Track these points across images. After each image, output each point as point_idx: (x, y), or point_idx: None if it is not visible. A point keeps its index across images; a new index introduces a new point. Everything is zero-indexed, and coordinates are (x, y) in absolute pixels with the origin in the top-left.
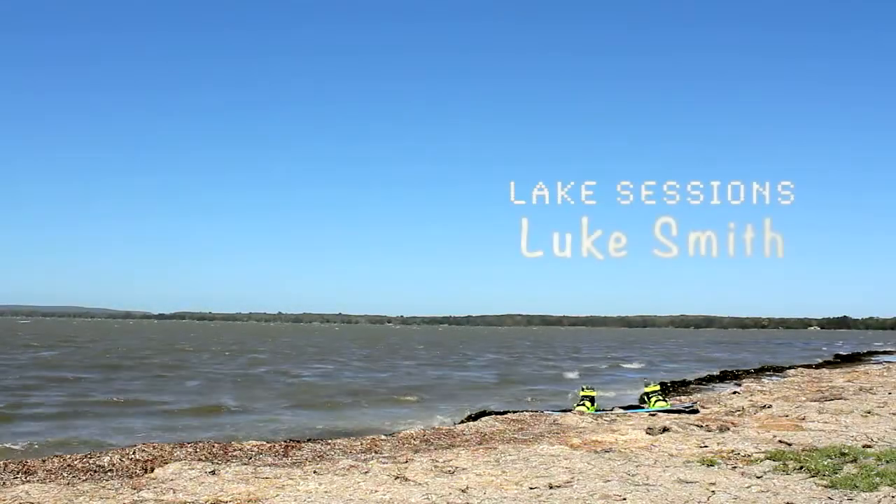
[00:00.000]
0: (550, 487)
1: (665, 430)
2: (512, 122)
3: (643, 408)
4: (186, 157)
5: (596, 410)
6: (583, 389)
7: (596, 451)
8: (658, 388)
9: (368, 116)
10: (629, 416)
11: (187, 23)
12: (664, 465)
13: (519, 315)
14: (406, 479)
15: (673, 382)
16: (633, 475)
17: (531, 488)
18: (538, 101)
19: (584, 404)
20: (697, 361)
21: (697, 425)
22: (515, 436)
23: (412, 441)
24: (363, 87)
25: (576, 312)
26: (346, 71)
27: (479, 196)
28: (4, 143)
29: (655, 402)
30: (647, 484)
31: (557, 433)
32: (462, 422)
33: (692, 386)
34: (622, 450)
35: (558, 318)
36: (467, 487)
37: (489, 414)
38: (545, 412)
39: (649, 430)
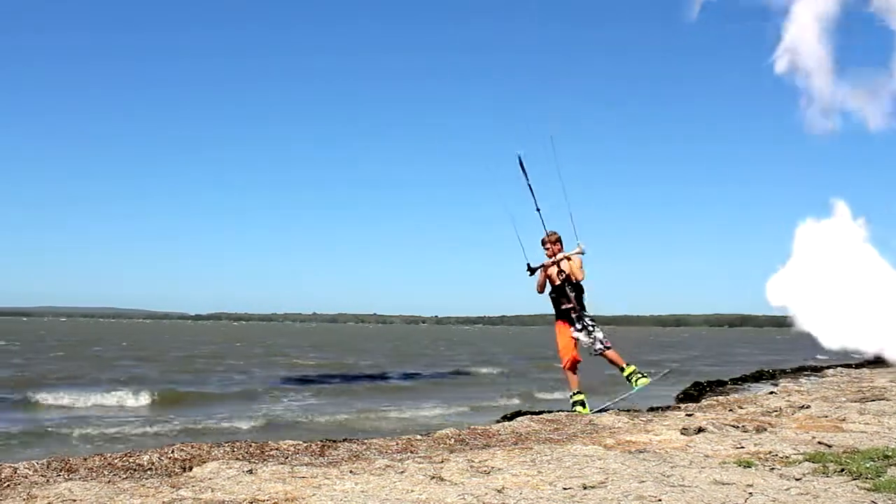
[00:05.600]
0: (584, 488)
1: (700, 430)
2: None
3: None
4: (223, 159)
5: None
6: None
7: (630, 452)
8: (635, 368)
9: (404, 118)
10: (666, 415)
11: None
12: (700, 465)
13: (550, 314)
14: (442, 479)
15: (709, 382)
16: (668, 476)
17: (565, 488)
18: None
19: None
20: (731, 361)
21: (733, 426)
22: (551, 436)
23: (448, 441)
24: (409, 88)
25: (608, 312)
26: (394, 71)
27: (513, 196)
28: (43, 146)
29: (637, 380)
30: (682, 485)
31: (591, 433)
32: (498, 422)
33: (728, 386)
34: (656, 450)
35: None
36: (503, 487)
37: (524, 414)
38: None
39: (684, 431)
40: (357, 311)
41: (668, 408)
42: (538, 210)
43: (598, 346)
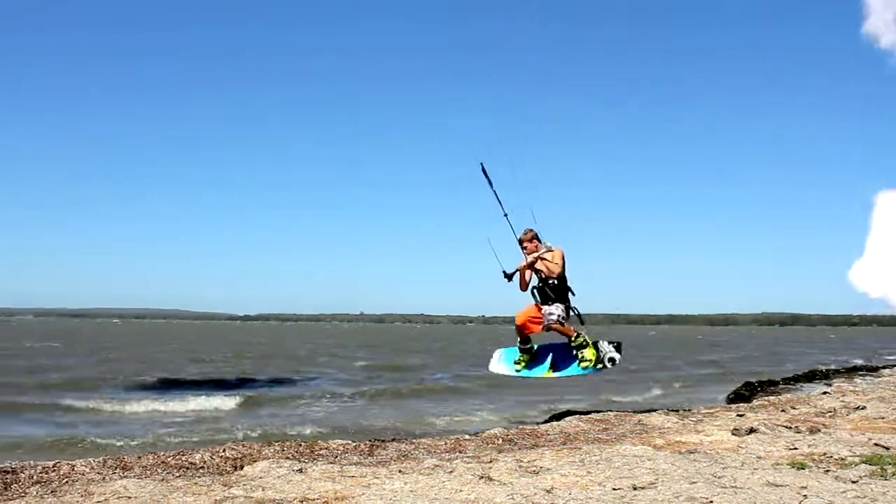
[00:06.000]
0: (634, 488)
1: (752, 431)
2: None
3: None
4: (269, 159)
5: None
6: None
7: (680, 452)
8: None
9: (453, 116)
10: (716, 415)
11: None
12: (752, 467)
13: (601, 314)
14: (491, 479)
15: (760, 382)
16: (719, 477)
17: (615, 489)
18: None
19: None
20: (783, 361)
21: (786, 426)
22: (599, 436)
23: (496, 441)
24: (446, 88)
25: (658, 311)
26: (395, 71)
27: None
28: (87, 147)
29: (581, 359)
30: (734, 486)
31: (640, 433)
32: (545, 421)
33: (780, 386)
34: (707, 451)
35: (640, 316)
36: (552, 488)
37: (573, 414)
38: (629, 412)
39: (735, 431)
40: (404, 311)
41: (718, 408)
42: (506, 215)
43: (552, 318)
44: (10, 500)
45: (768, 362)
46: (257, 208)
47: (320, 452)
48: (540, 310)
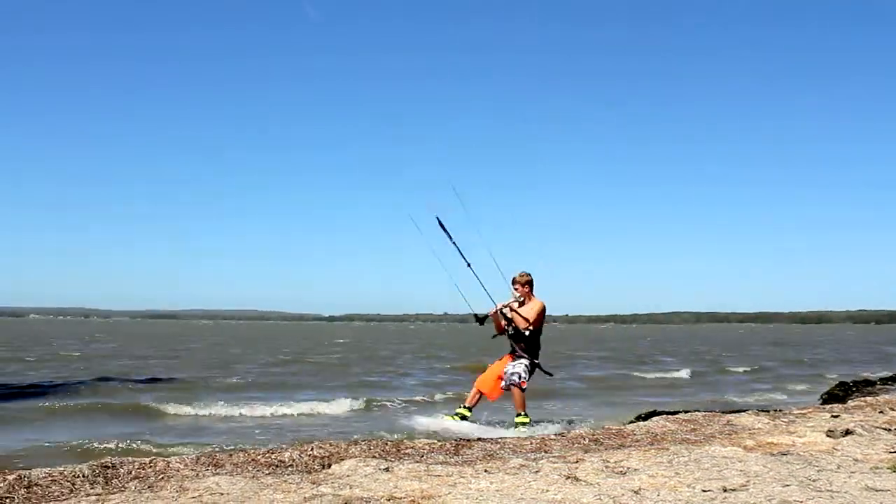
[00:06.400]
0: (725, 490)
1: (848, 432)
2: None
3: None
4: (351, 162)
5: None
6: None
7: (772, 454)
8: (526, 420)
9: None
10: (809, 416)
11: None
12: (849, 470)
13: (686, 312)
14: (577, 479)
15: (855, 382)
16: (814, 480)
17: (704, 491)
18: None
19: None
20: (881, 360)
21: (885, 429)
22: (687, 436)
23: (582, 441)
24: (446, 88)
25: (745, 308)
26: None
27: (642, 193)
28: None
29: (517, 427)
30: (830, 490)
31: (730, 434)
32: (631, 422)
33: (878, 386)
34: (801, 453)
35: (726, 314)
36: (640, 489)
37: (659, 414)
38: (718, 412)
39: (830, 433)
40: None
41: (811, 409)
42: (469, 265)
43: (514, 379)
44: (111, 493)
45: (865, 361)
46: (344, 211)
47: (406, 451)
48: (510, 358)
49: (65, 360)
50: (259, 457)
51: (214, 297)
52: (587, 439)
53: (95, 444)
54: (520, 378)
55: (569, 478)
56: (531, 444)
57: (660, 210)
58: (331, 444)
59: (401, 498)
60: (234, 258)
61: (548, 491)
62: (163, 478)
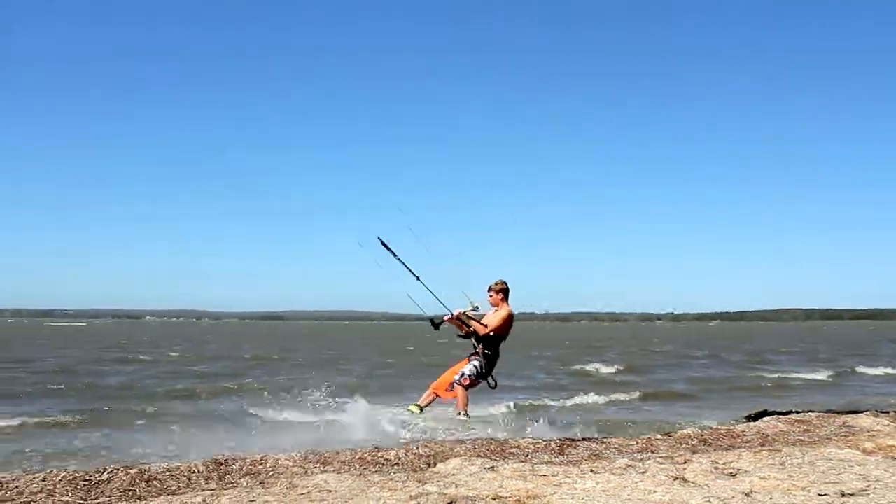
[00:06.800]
0: (843, 495)
1: None
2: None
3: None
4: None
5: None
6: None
7: (893, 458)
8: (464, 417)
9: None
10: None
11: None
12: None
13: (797, 309)
14: (685, 481)
15: None
16: None
17: (820, 495)
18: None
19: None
20: None
21: None
22: (801, 437)
23: (689, 441)
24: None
25: (860, 305)
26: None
27: (742, 185)
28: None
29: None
30: None
31: (846, 436)
32: (741, 422)
33: None
34: None
35: (839, 311)
36: (751, 491)
37: (770, 414)
38: (833, 413)
39: None
40: (590, 308)
41: None
42: (418, 279)
43: (457, 378)
44: (224, 489)
45: None
46: (448, 206)
47: (511, 451)
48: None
49: (177, 360)
50: (365, 455)
51: (318, 299)
52: (695, 440)
53: (207, 444)
54: (463, 376)
55: (676, 479)
56: (637, 444)
57: (758, 203)
58: (436, 443)
59: (506, 497)
60: (336, 258)
61: (655, 492)
62: (273, 474)
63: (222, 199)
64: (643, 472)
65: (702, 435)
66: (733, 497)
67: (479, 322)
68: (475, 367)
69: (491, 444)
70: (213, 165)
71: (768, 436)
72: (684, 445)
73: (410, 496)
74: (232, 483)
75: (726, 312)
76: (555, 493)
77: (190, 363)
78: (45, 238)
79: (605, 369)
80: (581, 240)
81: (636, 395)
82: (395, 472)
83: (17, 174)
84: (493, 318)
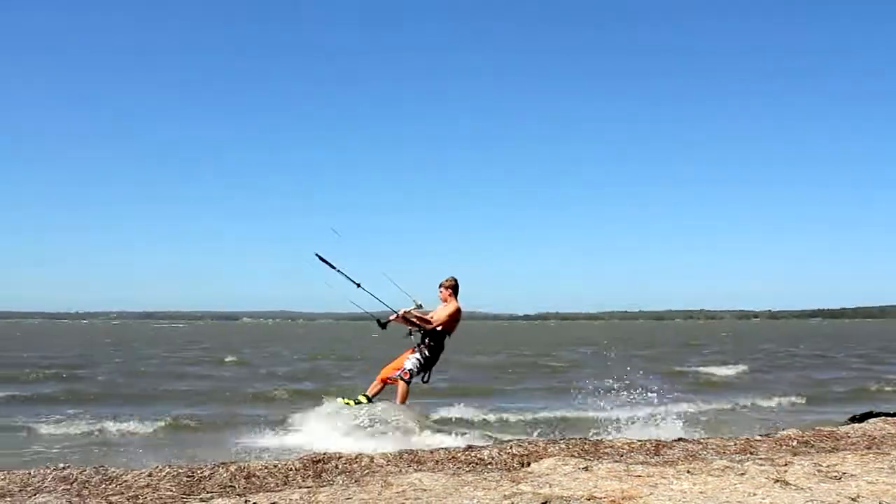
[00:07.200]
0: None
1: None
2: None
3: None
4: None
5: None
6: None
7: None
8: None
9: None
10: None
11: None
12: None
13: (863, 307)
14: (786, 483)
15: None
16: None
17: None
18: None
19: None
20: None
21: None
22: None
23: (790, 442)
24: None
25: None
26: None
27: (849, 172)
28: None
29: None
30: None
31: None
32: (845, 423)
33: None
34: None
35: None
36: (857, 496)
37: (877, 415)
38: None
39: None
40: (684, 307)
41: None
42: (359, 286)
43: (401, 372)
44: (321, 486)
45: None
46: (534, 206)
47: (605, 451)
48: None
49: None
50: (459, 454)
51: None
52: (795, 441)
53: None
54: (404, 370)
55: (777, 481)
56: (735, 445)
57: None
58: (529, 443)
59: (601, 498)
60: (451, 257)
61: (755, 495)
62: (368, 472)
63: (310, 199)
64: (742, 474)
65: (803, 436)
66: (838, 501)
67: (425, 318)
68: (417, 359)
69: (585, 443)
70: (284, 174)
71: (875, 438)
72: (785, 447)
73: (504, 495)
74: (328, 481)
75: (827, 309)
76: (651, 493)
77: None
78: (142, 244)
79: (713, 370)
80: (674, 237)
81: (748, 397)
82: (488, 472)
83: (107, 184)
84: (440, 312)
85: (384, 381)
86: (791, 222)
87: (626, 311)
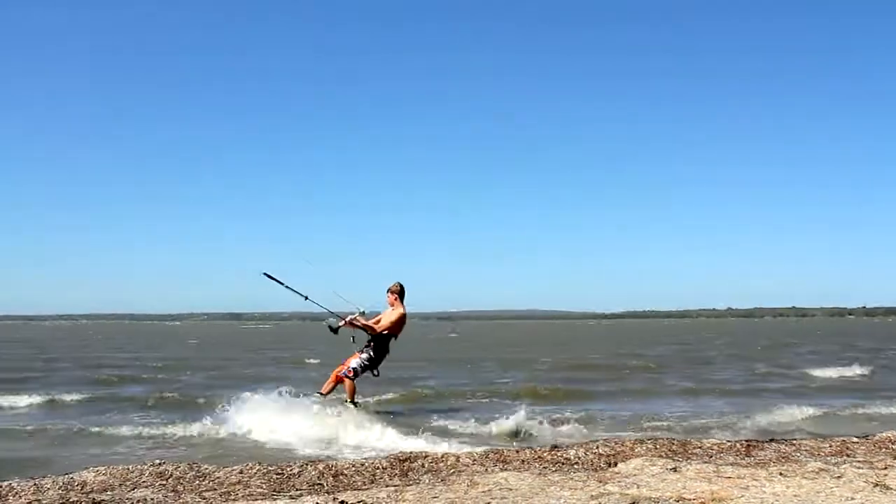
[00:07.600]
0: None
1: None
2: None
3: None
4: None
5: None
6: None
7: None
8: (352, 405)
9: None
10: None
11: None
12: None
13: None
14: (887, 488)
15: None
16: None
17: None
18: None
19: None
20: None
21: None
22: None
23: (890, 445)
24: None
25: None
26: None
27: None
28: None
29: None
30: None
31: None
32: None
33: None
34: None
35: None
36: None
37: None
38: None
39: None
40: (774, 304)
41: None
42: (306, 298)
43: (346, 370)
44: (407, 485)
45: None
46: (612, 204)
47: (694, 451)
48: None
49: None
50: (545, 454)
51: (487, 298)
52: None
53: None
54: (349, 369)
55: (877, 485)
56: (830, 447)
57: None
58: (616, 443)
59: (690, 499)
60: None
61: (853, 499)
62: (454, 472)
63: (393, 197)
64: (838, 477)
65: None
66: None
67: (369, 323)
68: (363, 360)
69: (673, 444)
70: (341, 175)
71: None
72: (884, 450)
73: (591, 496)
74: (415, 480)
75: (861, 308)
76: (742, 496)
77: None
78: (142, 244)
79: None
80: (762, 233)
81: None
82: (574, 472)
83: (107, 184)
84: (386, 317)
85: (337, 379)
86: (882, 212)
87: (713, 309)
